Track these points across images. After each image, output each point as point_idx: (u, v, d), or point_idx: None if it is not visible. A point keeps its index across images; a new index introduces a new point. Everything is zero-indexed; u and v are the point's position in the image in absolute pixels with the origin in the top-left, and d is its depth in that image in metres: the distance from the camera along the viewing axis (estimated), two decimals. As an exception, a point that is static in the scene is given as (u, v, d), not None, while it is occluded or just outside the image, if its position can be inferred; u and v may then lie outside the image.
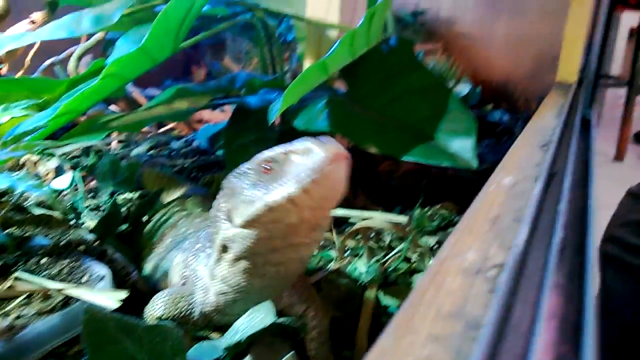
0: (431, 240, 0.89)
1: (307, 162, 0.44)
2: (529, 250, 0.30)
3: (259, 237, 0.48)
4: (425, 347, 0.22)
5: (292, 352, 0.55)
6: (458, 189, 1.11)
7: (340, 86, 1.05)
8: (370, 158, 1.19)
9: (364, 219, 0.83)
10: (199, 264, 0.60)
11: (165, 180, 1.07)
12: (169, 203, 0.93)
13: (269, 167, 0.47)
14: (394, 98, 0.91)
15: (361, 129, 0.86)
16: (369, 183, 1.11)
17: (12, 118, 0.71)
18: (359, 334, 0.65)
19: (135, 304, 0.61)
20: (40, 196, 0.96)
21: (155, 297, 0.60)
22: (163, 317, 0.58)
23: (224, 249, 0.53)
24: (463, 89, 1.74)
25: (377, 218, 0.81)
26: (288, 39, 1.76)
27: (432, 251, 0.85)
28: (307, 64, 1.11)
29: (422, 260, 0.81)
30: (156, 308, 0.59)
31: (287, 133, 0.95)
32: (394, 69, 0.94)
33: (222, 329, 0.61)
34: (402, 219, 0.80)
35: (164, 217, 0.88)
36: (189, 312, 0.59)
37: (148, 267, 0.76)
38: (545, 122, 0.62)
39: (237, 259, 0.52)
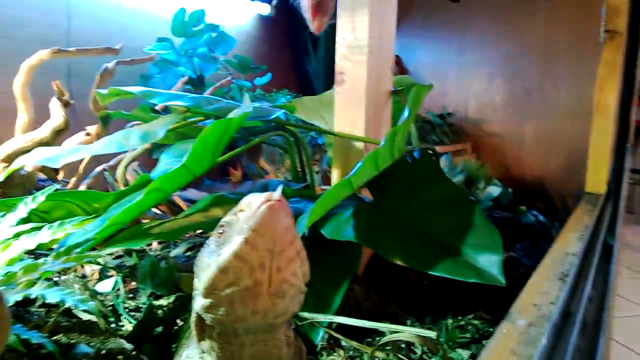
0: (464, 354, 0.88)
1: (247, 215, 0.45)
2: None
3: (221, 305, 0.48)
4: None
5: None
6: (490, 296, 1.10)
7: (367, 194, 1.09)
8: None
9: (392, 332, 0.84)
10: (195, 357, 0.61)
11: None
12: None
13: (222, 231, 0.48)
14: (419, 209, 0.94)
15: (387, 241, 0.88)
16: (399, 290, 1.12)
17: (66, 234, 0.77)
18: None
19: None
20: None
21: None
22: None
23: (200, 323, 0.53)
24: (494, 190, 1.76)
25: (406, 331, 0.82)
26: (319, 141, 1.85)
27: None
28: (334, 172, 1.16)
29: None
30: None
31: (314, 241, 0.99)
32: (419, 181, 0.98)
33: None
34: (431, 333, 0.80)
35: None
36: None
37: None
38: (567, 247, 0.63)
39: (210, 332, 0.52)
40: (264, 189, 1.21)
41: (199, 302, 0.51)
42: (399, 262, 0.85)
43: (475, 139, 2.13)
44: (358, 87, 1.07)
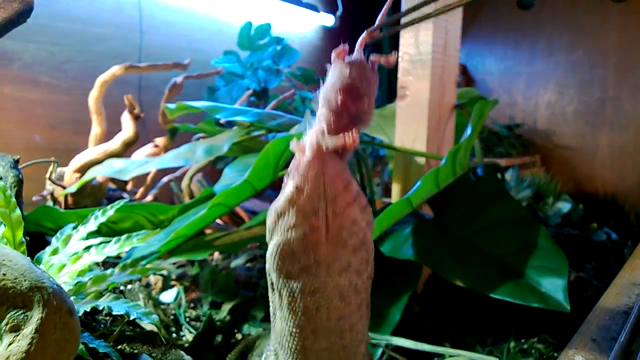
0: (525, 380, 0.85)
1: (296, 161, 0.45)
2: None
3: (282, 247, 0.47)
4: None
5: None
6: (556, 318, 1.05)
7: (428, 210, 1.07)
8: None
9: (451, 355, 0.81)
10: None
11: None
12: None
13: (285, 180, 0.48)
14: (481, 228, 0.91)
15: (446, 261, 0.86)
16: (460, 308, 1.09)
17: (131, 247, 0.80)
18: None
19: None
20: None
21: None
22: None
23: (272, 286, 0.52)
24: (564, 205, 1.67)
25: (466, 356, 0.79)
26: (381, 153, 1.84)
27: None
28: (394, 187, 1.15)
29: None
30: None
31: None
32: (481, 199, 0.95)
33: None
34: (492, 359, 0.77)
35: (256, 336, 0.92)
36: None
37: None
38: (635, 275, 0.59)
39: (280, 291, 0.50)
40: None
41: (269, 251, 0.50)
42: (459, 284, 0.83)
43: (544, 151, 2.04)
44: (420, 102, 1.06)
